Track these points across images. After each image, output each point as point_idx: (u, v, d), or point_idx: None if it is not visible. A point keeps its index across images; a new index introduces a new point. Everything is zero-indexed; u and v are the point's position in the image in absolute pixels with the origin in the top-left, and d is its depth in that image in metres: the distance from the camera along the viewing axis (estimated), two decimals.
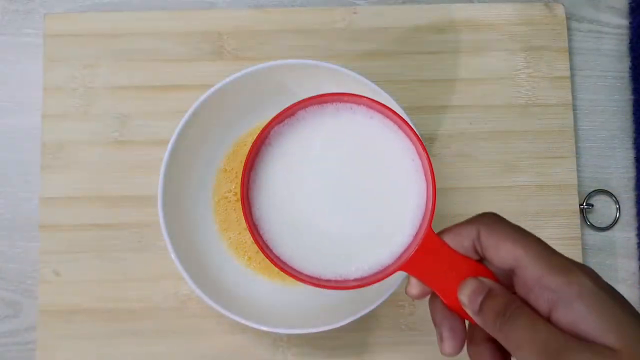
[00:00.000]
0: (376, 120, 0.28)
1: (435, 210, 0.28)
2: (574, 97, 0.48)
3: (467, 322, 0.28)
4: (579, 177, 0.47)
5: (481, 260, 0.28)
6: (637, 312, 0.24)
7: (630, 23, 0.50)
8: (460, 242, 0.28)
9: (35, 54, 0.48)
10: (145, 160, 0.46)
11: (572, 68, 0.48)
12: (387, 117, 0.27)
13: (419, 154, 0.28)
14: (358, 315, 0.39)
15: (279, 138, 0.29)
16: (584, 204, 0.47)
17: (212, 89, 0.41)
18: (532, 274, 0.25)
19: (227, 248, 0.44)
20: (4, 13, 0.49)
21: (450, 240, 0.28)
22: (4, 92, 0.48)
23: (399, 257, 0.29)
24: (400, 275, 0.39)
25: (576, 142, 0.48)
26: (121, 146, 0.46)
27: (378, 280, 0.29)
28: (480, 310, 0.26)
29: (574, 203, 0.47)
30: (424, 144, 0.29)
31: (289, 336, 0.45)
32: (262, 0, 0.49)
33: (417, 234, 0.28)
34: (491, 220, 0.27)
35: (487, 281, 0.27)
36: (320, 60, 0.41)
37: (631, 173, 0.48)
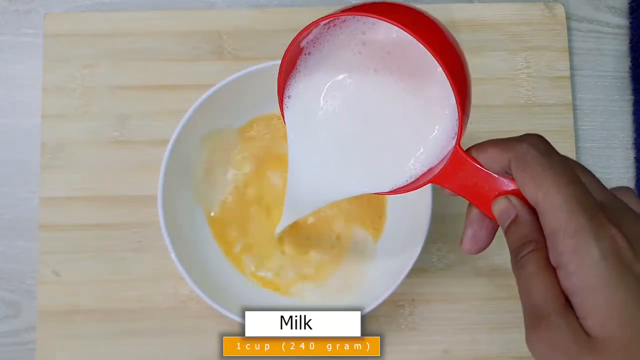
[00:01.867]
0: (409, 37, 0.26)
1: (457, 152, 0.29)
2: (574, 97, 0.48)
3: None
4: None
5: None
6: None
7: (630, 23, 0.50)
8: (490, 165, 0.27)
9: (35, 54, 0.48)
10: (145, 160, 0.46)
11: (572, 68, 0.48)
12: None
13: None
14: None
15: (317, 45, 0.29)
16: None
17: (212, 89, 0.41)
18: (546, 225, 0.23)
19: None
20: (4, 13, 0.49)
21: (482, 159, 0.27)
22: (3, 92, 0.48)
23: (432, 169, 0.29)
24: (400, 275, 0.39)
25: (576, 142, 0.48)
26: (121, 146, 0.46)
27: (414, 188, 0.30)
28: (506, 232, 0.26)
29: None
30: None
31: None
32: (262, 0, 0.49)
33: (445, 150, 0.29)
34: (524, 151, 0.25)
35: (517, 203, 0.26)
36: None
37: (631, 173, 0.48)
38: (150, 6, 0.49)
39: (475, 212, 0.28)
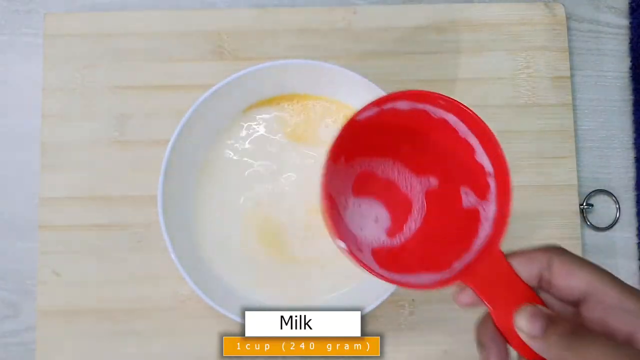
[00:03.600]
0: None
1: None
2: (574, 97, 0.48)
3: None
4: (579, 177, 0.47)
5: (536, 290, 0.29)
6: None
7: (630, 23, 0.50)
8: (529, 268, 0.28)
9: (35, 54, 0.48)
10: (145, 160, 0.46)
11: (572, 68, 0.48)
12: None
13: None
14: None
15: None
16: (584, 204, 0.47)
17: (212, 89, 0.41)
18: (611, 298, 0.26)
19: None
20: (4, 13, 0.49)
21: (518, 264, 0.29)
22: (3, 92, 0.48)
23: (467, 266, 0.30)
24: None
25: (576, 142, 0.48)
26: (121, 146, 0.46)
27: (442, 286, 0.30)
28: (544, 334, 0.26)
29: (574, 203, 0.47)
30: None
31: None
32: (262, 0, 0.49)
33: (484, 248, 0.30)
34: (561, 250, 0.28)
35: (545, 309, 0.28)
36: (320, 60, 0.41)
37: (631, 173, 0.48)
38: (150, 6, 0.49)
39: (490, 330, 0.29)
